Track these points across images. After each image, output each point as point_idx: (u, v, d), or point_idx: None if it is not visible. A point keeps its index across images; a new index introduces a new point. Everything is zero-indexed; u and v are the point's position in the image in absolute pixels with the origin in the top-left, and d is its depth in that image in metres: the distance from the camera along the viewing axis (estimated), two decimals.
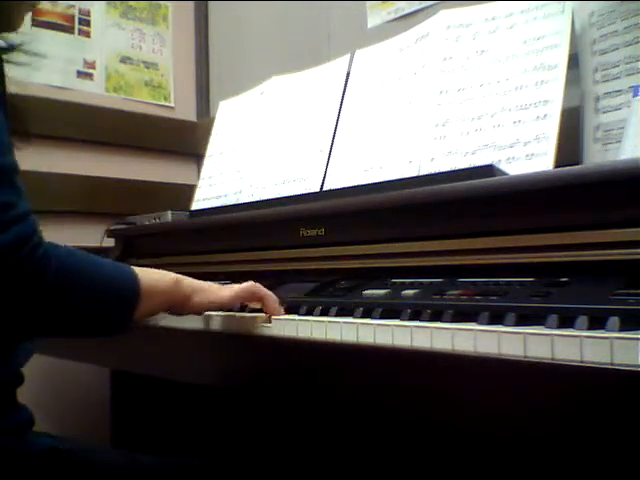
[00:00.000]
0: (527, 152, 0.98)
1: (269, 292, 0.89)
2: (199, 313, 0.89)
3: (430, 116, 1.12)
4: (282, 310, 0.89)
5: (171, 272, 0.84)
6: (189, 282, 0.85)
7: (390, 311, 0.78)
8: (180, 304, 0.84)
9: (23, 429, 0.82)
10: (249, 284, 0.88)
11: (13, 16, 0.83)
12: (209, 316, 0.94)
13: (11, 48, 0.81)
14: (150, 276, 0.79)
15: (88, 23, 1.97)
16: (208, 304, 0.86)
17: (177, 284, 0.83)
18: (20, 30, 0.84)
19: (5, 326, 0.69)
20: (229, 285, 0.89)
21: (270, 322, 0.86)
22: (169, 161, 2.11)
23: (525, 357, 0.59)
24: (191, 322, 0.95)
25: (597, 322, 0.60)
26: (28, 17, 0.83)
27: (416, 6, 1.54)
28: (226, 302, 0.87)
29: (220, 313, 0.94)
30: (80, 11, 1.95)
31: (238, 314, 0.92)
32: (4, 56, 0.78)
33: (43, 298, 0.67)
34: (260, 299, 0.88)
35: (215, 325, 0.93)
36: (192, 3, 2.24)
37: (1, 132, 0.68)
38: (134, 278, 0.77)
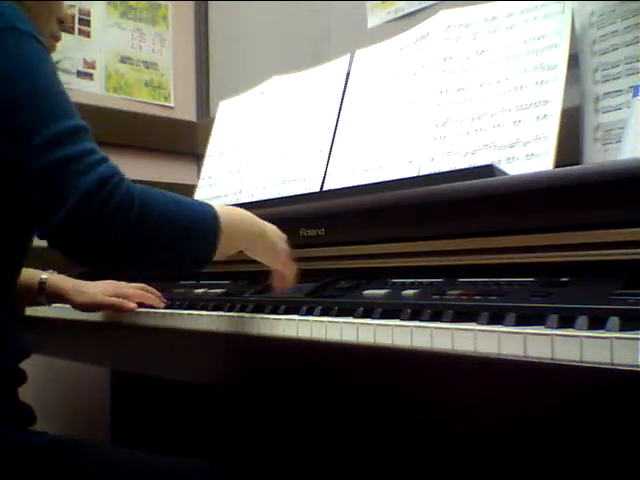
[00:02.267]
0: (527, 152, 0.98)
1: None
2: (276, 244, 0.92)
3: (430, 116, 1.12)
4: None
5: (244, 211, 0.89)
6: (259, 223, 0.90)
7: (390, 311, 0.78)
8: (258, 231, 0.89)
9: (24, 423, 0.82)
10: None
11: (49, 20, 0.92)
12: (210, 315, 0.94)
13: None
14: (225, 210, 0.85)
15: (88, 23, 1.97)
16: (278, 235, 0.93)
17: (244, 213, 0.88)
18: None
19: (99, 257, 0.75)
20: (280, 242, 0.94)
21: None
22: (169, 161, 2.11)
23: (525, 357, 0.59)
24: (191, 322, 0.95)
25: (597, 322, 0.60)
26: None
27: (416, 6, 1.54)
28: (284, 244, 0.93)
29: (221, 313, 0.94)
30: (80, 11, 1.95)
31: (237, 314, 0.92)
32: None
33: (129, 229, 0.72)
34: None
35: (216, 325, 0.93)
36: (192, 3, 2.24)
37: (69, 100, 0.78)
38: (213, 212, 0.82)
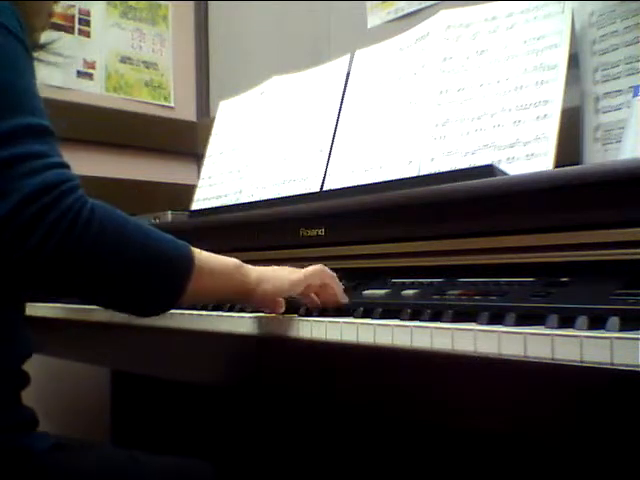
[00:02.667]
0: (527, 152, 0.98)
1: (333, 276, 0.87)
2: (264, 304, 0.83)
3: (430, 116, 1.12)
4: (346, 299, 0.87)
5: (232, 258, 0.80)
6: (253, 269, 0.81)
7: (390, 311, 0.78)
8: (243, 292, 0.80)
9: (27, 428, 0.82)
10: (318, 268, 0.85)
11: (42, 16, 0.87)
12: (209, 316, 0.94)
13: (41, 46, 0.83)
14: (209, 256, 0.75)
15: (88, 23, 1.97)
16: (275, 293, 0.82)
17: (239, 268, 0.79)
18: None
19: (30, 270, 0.66)
20: (296, 270, 0.85)
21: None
22: (169, 161, 2.11)
23: (525, 357, 0.59)
24: (191, 322, 0.95)
25: (597, 322, 0.60)
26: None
27: (416, 6, 1.54)
28: (293, 289, 0.83)
29: (221, 313, 0.94)
30: (80, 11, 1.95)
31: (237, 314, 0.92)
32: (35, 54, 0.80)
33: (71, 241, 0.64)
34: (325, 285, 0.85)
35: (216, 325, 0.93)
36: (192, 3, 2.24)
37: (35, 99, 0.71)
38: (188, 254, 0.72)
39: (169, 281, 0.71)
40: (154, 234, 0.71)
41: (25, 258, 0.64)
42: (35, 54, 0.82)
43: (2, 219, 0.62)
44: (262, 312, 0.89)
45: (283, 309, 0.84)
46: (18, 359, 0.83)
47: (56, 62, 0.88)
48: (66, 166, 0.69)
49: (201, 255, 0.74)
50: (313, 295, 0.86)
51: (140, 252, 0.68)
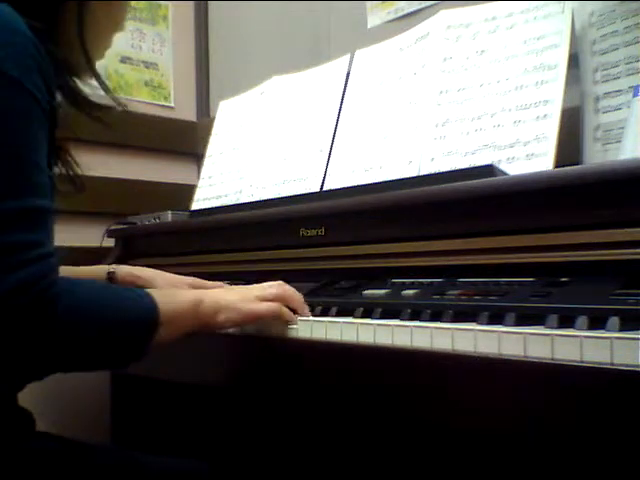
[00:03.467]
0: (527, 152, 0.98)
1: (296, 294, 0.87)
2: (221, 331, 0.85)
3: (430, 116, 1.12)
4: (307, 310, 0.87)
5: (191, 291, 0.81)
6: (211, 302, 0.81)
7: (390, 311, 0.78)
8: (204, 325, 0.81)
9: (24, 432, 0.81)
10: (278, 292, 0.84)
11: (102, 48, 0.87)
12: None
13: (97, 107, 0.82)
14: (170, 303, 0.77)
15: None
16: (230, 326, 0.83)
17: (197, 306, 0.80)
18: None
19: (18, 364, 0.68)
20: (255, 288, 0.85)
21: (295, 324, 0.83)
22: (169, 161, 2.11)
23: (525, 357, 0.59)
24: None
25: (597, 322, 0.60)
26: None
27: (416, 6, 1.54)
28: (250, 319, 0.83)
29: None
30: None
31: None
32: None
33: (46, 343, 0.66)
34: (287, 304, 0.85)
35: None
36: (192, 3, 2.24)
37: (37, 172, 0.69)
38: (154, 309, 0.75)
39: (136, 340, 0.74)
40: (122, 300, 0.74)
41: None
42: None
43: None
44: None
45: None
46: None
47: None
48: (50, 255, 0.68)
49: (165, 305, 0.76)
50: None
51: (108, 323, 0.71)
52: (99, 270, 1.08)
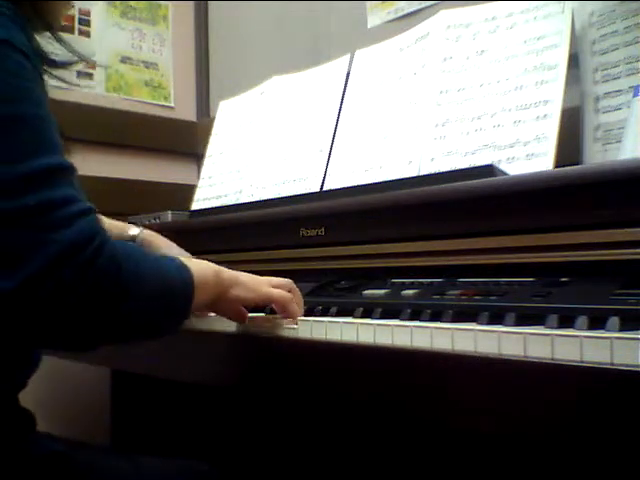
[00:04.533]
0: (527, 152, 0.98)
1: (299, 297, 0.87)
2: (234, 308, 0.84)
3: (430, 116, 1.12)
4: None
5: (210, 263, 0.81)
6: (228, 274, 0.81)
7: (390, 311, 0.78)
8: (221, 295, 0.80)
9: (24, 432, 0.82)
10: (284, 293, 0.85)
11: (55, 14, 0.84)
12: (211, 316, 0.94)
13: (62, 64, 0.81)
14: (197, 268, 0.76)
15: (88, 23, 1.97)
16: (245, 299, 0.83)
17: (217, 276, 0.79)
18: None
19: (76, 329, 0.64)
20: (265, 279, 0.86)
21: (296, 324, 0.84)
22: (169, 161, 2.11)
23: (525, 357, 0.59)
24: (191, 322, 0.95)
25: (597, 322, 0.60)
26: None
27: (416, 6, 1.54)
28: (261, 299, 0.84)
29: None
30: (80, 11, 1.95)
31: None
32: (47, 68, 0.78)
33: (110, 298, 0.63)
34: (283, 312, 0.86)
35: (216, 325, 0.93)
36: (192, 3, 2.24)
37: (56, 132, 0.67)
38: (189, 276, 0.74)
39: (180, 306, 0.73)
40: (164, 267, 0.72)
41: (61, 312, 0.61)
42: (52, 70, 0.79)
43: (41, 274, 0.59)
44: (262, 314, 0.89)
45: (246, 321, 0.86)
46: (29, 375, 0.83)
47: (79, 85, 0.85)
48: (93, 210, 0.66)
49: (195, 274, 0.75)
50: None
51: (160, 285, 0.70)
52: (124, 227, 1.08)
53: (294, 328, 0.83)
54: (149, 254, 0.74)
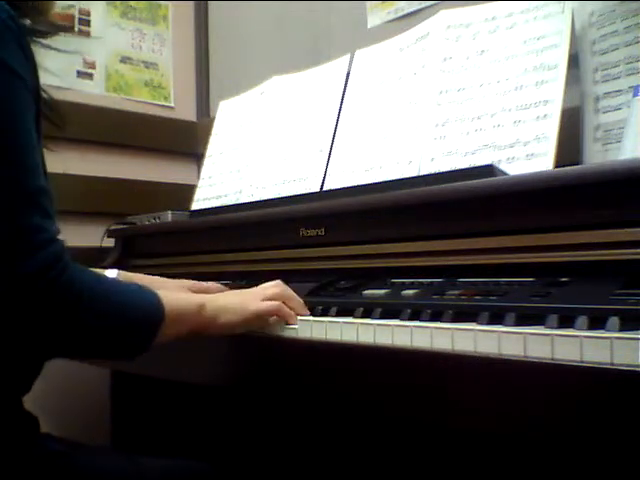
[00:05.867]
0: (527, 152, 0.98)
1: (295, 295, 0.88)
2: (226, 333, 0.85)
3: (430, 116, 1.12)
4: (305, 310, 0.87)
5: (194, 295, 0.84)
6: (213, 306, 0.83)
7: (390, 311, 0.78)
8: (205, 328, 0.82)
9: (28, 435, 0.82)
10: (274, 302, 0.85)
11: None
12: None
13: (48, 32, 0.81)
14: (174, 303, 0.79)
15: (88, 23, 1.97)
16: (233, 327, 0.84)
17: (201, 309, 0.81)
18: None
19: (28, 348, 0.72)
20: (256, 289, 0.87)
21: (296, 324, 0.84)
22: (169, 161, 2.11)
23: (525, 357, 0.59)
24: None
25: (597, 322, 0.60)
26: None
27: (416, 6, 1.54)
28: (251, 322, 0.85)
29: None
30: (80, 11, 1.95)
31: None
32: (42, 40, 0.79)
33: (65, 323, 0.69)
34: (287, 303, 0.86)
35: None
36: (192, 3, 2.24)
37: (33, 153, 0.70)
38: (158, 306, 0.76)
39: (143, 334, 0.76)
40: (129, 292, 0.76)
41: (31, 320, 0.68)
42: (43, 40, 0.80)
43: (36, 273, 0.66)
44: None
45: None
46: (30, 372, 0.83)
47: (76, 51, 0.85)
48: (57, 236, 0.70)
49: (170, 303, 0.78)
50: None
51: (119, 315, 0.74)
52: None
53: (294, 328, 0.82)
54: (118, 282, 0.78)
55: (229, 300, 0.85)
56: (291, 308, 0.86)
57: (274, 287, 0.87)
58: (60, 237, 0.71)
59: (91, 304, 0.70)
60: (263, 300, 0.85)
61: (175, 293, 0.82)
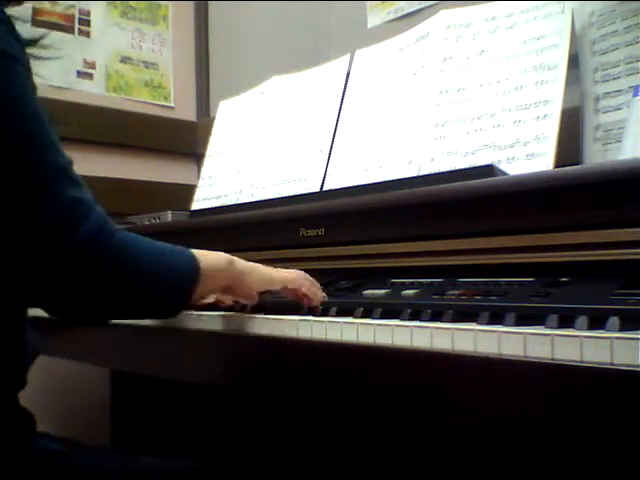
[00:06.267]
0: (527, 152, 0.98)
1: (313, 281, 0.91)
2: (251, 295, 0.89)
3: (430, 116, 1.12)
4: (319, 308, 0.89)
5: (223, 253, 0.86)
6: (242, 263, 0.87)
7: (390, 311, 0.78)
8: (235, 284, 0.86)
9: (24, 432, 0.81)
10: (298, 273, 0.90)
11: None
12: (210, 315, 0.94)
13: (34, 41, 0.82)
14: (207, 258, 0.82)
15: (88, 23, 1.97)
16: (259, 283, 0.88)
17: (231, 264, 0.85)
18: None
19: (85, 307, 0.73)
20: (280, 269, 0.91)
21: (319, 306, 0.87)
22: (169, 161, 2.11)
23: (525, 357, 0.59)
24: (192, 322, 0.95)
25: (597, 322, 0.60)
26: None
27: (416, 6, 1.54)
28: (276, 284, 0.89)
29: (222, 313, 0.94)
30: (80, 11, 1.95)
31: (237, 314, 0.92)
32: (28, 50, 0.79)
33: (126, 283, 0.72)
34: (304, 295, 0.89)
35: (216, 325, 0.93)
36: (192, 3, 2.24)
37: (48, 131, 0.72)
38: (195, 262, 0.80)
39: (183, 290, 0.79)
40: (167, 250, 0.79)
41: (82, 284, 0.70)
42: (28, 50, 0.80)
43: (85, 242, 0.69)
44: (262, 314, 0.89)
45: (255, 302, 0.91)
46: (27, 365, 0.83)
47: (50, 58, 0.87)
48: (94, 203, 0.73)
49: (203, 260, 0.81)
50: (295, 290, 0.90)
51: (159, 267, 0.77)
52: None
53: (302, 323, 0.82)
54: (156, 242, 0.79)
55: (255, 264, 0.89)
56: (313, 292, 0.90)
57: (297, 271, 0.92)
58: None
59: (146, 262, 0.74)
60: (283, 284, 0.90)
61: (208, 251, 0.85)
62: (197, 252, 0.81)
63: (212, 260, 0.83)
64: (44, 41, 0.85)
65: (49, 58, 0.86)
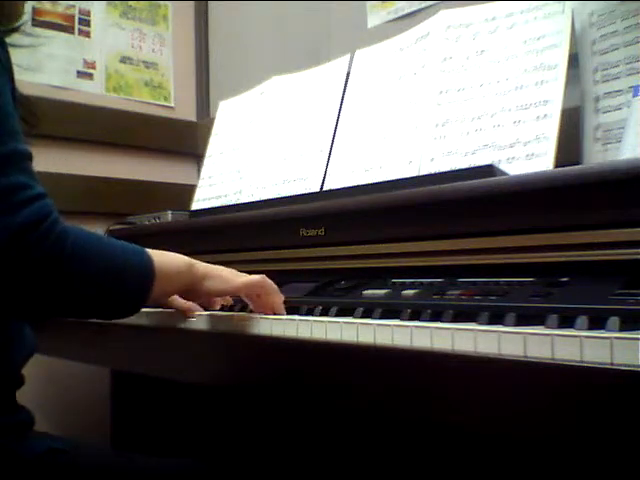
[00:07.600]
0: (527, 152, 0.98)
1: (277, 289, 0.89)
2: (210, 299, 0.89)
3: (430, 116, 1.12)
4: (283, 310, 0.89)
5: (183, 256, 0.84)
6: (202, 266, 0.85)
7: (390, 311, 0.78)
8: (193, 288, 0.84)
9: (22, 430, 0.81)
10: (261, 277, 0.88)
11: (15, 5, 0.84)
12: (210, 315, 0.94)
13: (11, 29, 0.82)
14: (163, 258, 0.80)
15: (88, 23, 1.97)
16: (218, 291, 0.87)
17: (190, 266, 0.84)
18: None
19: (17, 305, 0.71)
20: (242, 273, 0.89)
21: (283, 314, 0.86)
22: (169, 161, 2.11)
23: (525, 357, 0.59)
24: (191, 322, 0.95)
25: (597, 322, 0.60)
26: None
27: (416, 6, 1.54)
28: (236, 290, 0.87)
29: (219, 312, 0.94)
30: (80, 11, 1.95)
31: (237, 313, 0.92)
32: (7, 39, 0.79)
33: (57, 278, 0.68)
34: (268, 295, 0.88)
35: (216, 325, 0.93)
36: (192, 3, 2.24)
37: (12, 120, 0.71)
38: (148, 260, 0.77)
39: (135, 289, 0.76)
40: (118, 248, 0.76)
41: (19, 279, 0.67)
42: (7, 39, 0.80)
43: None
44: (262, 314, 0.89)
45: (218, 307, 0.91)
46: (18, 360, 0.83)
47: (31, 45, 0.86)
48: (45, 194, 0.70)
49: (159, 260, 0.79)
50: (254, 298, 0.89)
51: (111, 270, 0.73)
52: None
53: (280, 319, 0.83)
54: (108, 240, 0.77)
55: (216, 268, 0.87)
56: (269, 304, 0.88)
57: (260, 277, 0.89)
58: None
59: (85, 257, 0.70)
60: (245, 290, 0.88)
61: (167, 252, 0.83)
62: (153, 252, 0.79)
63: (169, 261, 0.81)
64: (25, 28, 0.84)
65: (30, 46, 0.85)
